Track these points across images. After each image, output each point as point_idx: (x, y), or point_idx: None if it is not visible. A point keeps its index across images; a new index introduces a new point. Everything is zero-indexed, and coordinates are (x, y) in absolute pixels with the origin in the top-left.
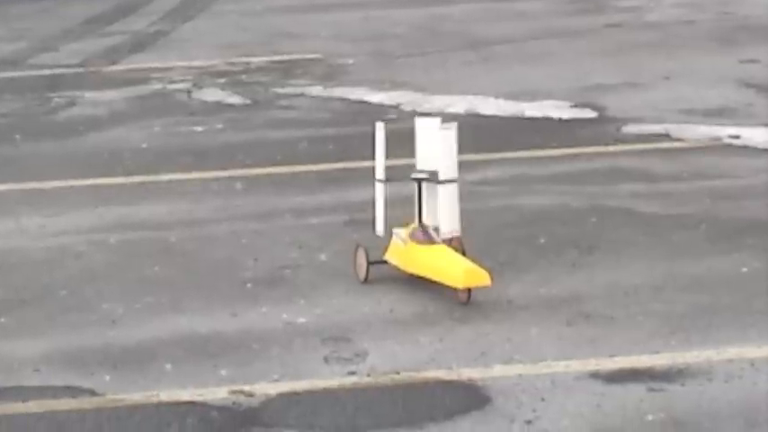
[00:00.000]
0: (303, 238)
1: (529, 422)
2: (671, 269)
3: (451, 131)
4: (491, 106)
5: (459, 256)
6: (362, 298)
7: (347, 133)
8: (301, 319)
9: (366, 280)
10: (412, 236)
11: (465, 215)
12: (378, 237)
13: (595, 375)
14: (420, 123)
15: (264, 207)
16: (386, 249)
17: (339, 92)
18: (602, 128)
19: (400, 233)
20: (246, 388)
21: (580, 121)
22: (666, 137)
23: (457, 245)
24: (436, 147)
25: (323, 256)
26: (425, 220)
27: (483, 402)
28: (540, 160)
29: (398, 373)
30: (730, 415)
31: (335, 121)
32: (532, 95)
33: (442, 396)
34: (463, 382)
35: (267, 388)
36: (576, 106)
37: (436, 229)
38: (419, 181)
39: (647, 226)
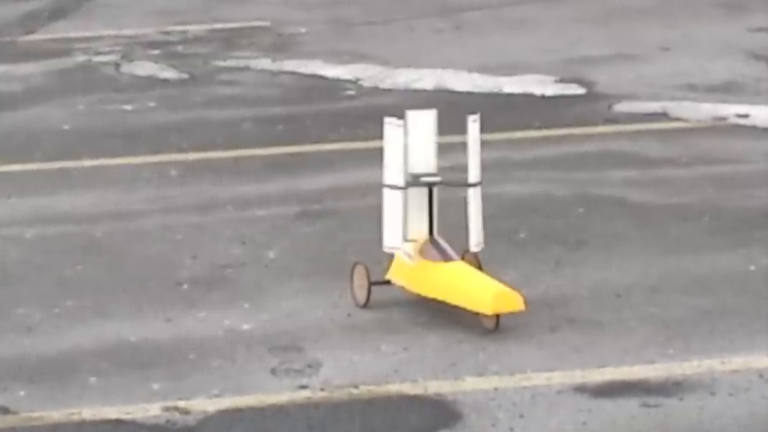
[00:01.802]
0: (248, 233)
1: None
2: (668, 267)
3: (478, 125)
4: (464, 81)
5: (483, 276)
6: (316, 301)
7: (299, 113)
8: (245, 326)
9: (366, 305)
10: (423, 252)
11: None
12: (383, 253)
13: (581, 389)
14: (412, 117)
15: (203, 197)
16: (388, 268)
17: (290, 65)
18: (590, 106)
19: (406, 248)
20: (182, 404)
21: (565, 98)
22: (664, 116)
23: (472, 260)
24: (468, 142)
25: (271, 254)
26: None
27: (453, 420)
28: (519, 143)
29: (357, 386)
30: None
31: (285, 99)
32: (511, 69)
33: (406, 413)
34: (431, 396)
35: (206, 404)
36: (560, 81)
37: (449, 243)
38: (430, 186)
39: (642, 218)
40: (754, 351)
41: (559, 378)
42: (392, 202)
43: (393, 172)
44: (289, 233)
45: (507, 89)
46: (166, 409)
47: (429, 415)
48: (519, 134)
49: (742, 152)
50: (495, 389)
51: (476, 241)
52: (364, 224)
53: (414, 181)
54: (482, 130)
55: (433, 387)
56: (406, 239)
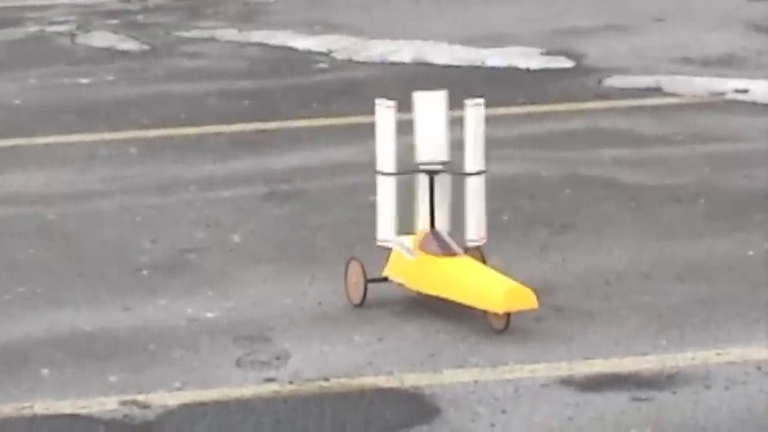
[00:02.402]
0: (212, 215)
1: None
2: (662, 252)
3: (481, 110)
4: (444, 54)
5: (491, 271)
6: (284, 288)
7: (267, 87)
8: (209, 314)
9: (362, 303)
10: (424, 246)
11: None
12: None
13: (568, 382)
14: (420, 99)
15: (165, 177)
16: (385, 263)
17: (257, 36)
18: (579, 80)
19: (404, 242)
20: (141, 398)
21: (552, 71)
22: (657, 91)
23: (476, 254)
24: (464, 129)
25: (236, 237)
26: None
27: (431, 415)
28: (503, 120)
29: (327, 379)
30: (732, 429)
31: (252, 72)
32: (495, 41)
33: (380, 407)
34: (407, 390)
35: (166, 398)
36: (547, 54)
37: (451, 236)
38: (431, 174)
39: (634, 200)
40: (752, 342)
41: (544, 371)
42: (383, 191)
43: (383, 157)
44: (256, 215)
45: (490, 62)
46: (124, 403)
47: (405, 410)
48: (502, 110)
49: (740, 129)
50: (476, 382)
51: (474, 235)
52: (336, 206)
53: (412, 169)
54: (461, 104)
55: (410, 380)
56: (399, 232)
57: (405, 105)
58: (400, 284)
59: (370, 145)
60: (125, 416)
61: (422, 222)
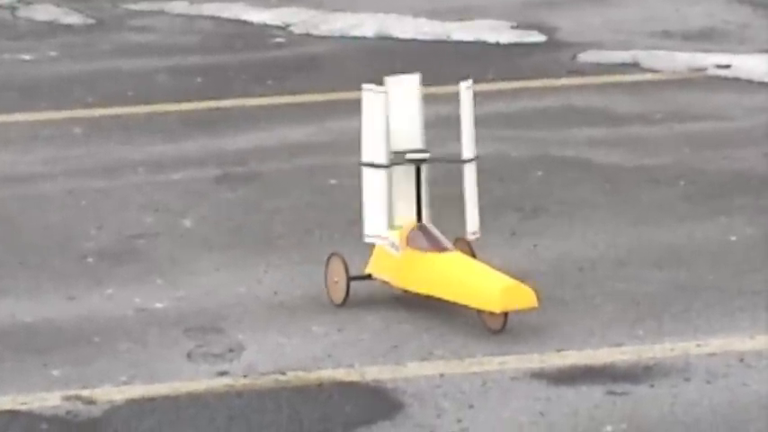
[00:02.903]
0: (161, 199)
1: None
2: (639, 238)
3: (471, 92)
4: (408, 27)
5: (486, 268)
6: (238, 276)
7: (220, 63)
8: (158, 304)
9: (344, 302)
10: (411, 241)
11: None
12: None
13: (539, 375)
14: (392, 84)
15: (111, 159)
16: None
17: (210, 8)
18: (551, 55)
19: (389, 237)
20: (85, 393)
21: (523, 46)
22: (635, 67)
23: (465, 248)
24: (461, 113)
25: (187, 223)
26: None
27: (393, 410)
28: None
29: (284, 373)
30: (713, 425)
31: (205, 47)
32: (461, 13)
33: (340, 402)
34: (368, 384)
35: (112, 393)
36: (518, 27)
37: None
38: (418, 163)
39: (609, 182)
40: (733, 332)
41: (514, 363)
42: (374, 184)
43: (374, 148)
44: (208, 199)
45: (457, 36)
46: (68, 398)
47: (366, 404)
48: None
49: (722, 107)
50: (441, 375)
51: (475, 227)
52: (293, 190)
53: (397, 159)
54: (428, 82)
55: (371, 373)
56: (392, 227)
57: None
58: (385, 282)
59: (329, 124)
60: (68, 412)
61: (405, 216)
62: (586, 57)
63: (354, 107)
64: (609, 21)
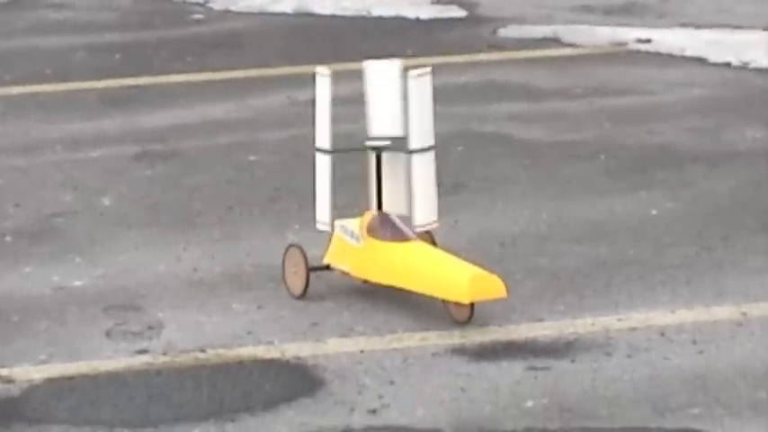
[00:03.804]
0: (80, 177)
1: (373, 411)
2: (559, 213)
3: (427, 80)
4: (328, 3)
5: (451, 257)
6: (158, 254)
7: (138, 40)
8: (77, 282)
9: (304, 294)
10: (371, 230)
11: (289, 144)
12: (319, 232)
13: (460, 351)
14: (372, 69)
15: (29, 137)
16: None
17: None
18: (471, 30)
19: (347, 226)
20: (4, 372)
21: (444, 21)
22: (555, 42)
23: (426, 237)
24: (408, 102)
25: (106, 201)
26: (386, 206)
27: (314, 387)
28: None
29: (204, 350)
30: (634, 399)
31: (123, 24)
32: None
33: (260, 379)
34: (288, 361)
35: (31, 372)
36: (438, 2)
37: (403, 220)
38: (378, 150)
39: (530, 157)
40: (655, 306)
41: (435, 339)
42: (320, 170)
43: (319, 132)
44: (126, 177)
45: (376, 11)
46: None
47: (287, 381)
48: None
49: (643, 82)
50: (362, 351)
51: (422, 219)
52: (212, 167)
53: (348, 146)
54: (347, 58)
55: (291, 350)
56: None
57: (288, 60)
58: (344, 273)
59: (249, 101)
60: None
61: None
62: (507, 32)
63: (274, 84)
64: None
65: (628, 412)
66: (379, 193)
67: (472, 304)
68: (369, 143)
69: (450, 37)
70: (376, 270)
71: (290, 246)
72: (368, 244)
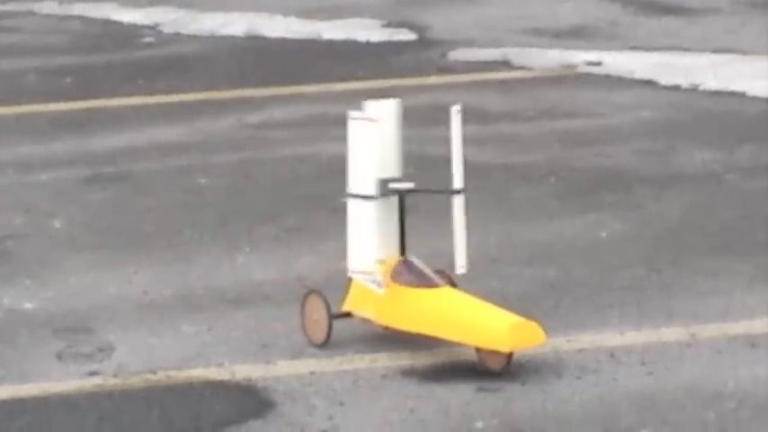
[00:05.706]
0: (30, 200)
1: None
2: (509, 235)
3: (460, 116)
4: (278, 26)
5: (486, 304)
6: (108, 277)
7: (90, 63)
8: (27, 305)
9: (326, 342)
10: (395, 276)
11: (239, 167)
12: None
13: (409, 372)
14: (373, 109)
15: None
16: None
17: (79, 8)
18: (422, 54)
19: (373, 273)
20: None
21: (394, 44)
22: (505, 65)
23: (446, 279)
24: (452, 140)
25: (56, 223)
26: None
27: (264, 408)
28: (340, 96)
29: (154, 372)
30: (583, 420)
31: (74, 48)
32: (332, 12)
33: (211, 401)
34: (239, 383)
35: None
36: (388, 26)
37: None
38: (401, 193)
39: (479, 179)
40: (604, 328)
41: (385, 360)
42: (361, 216)
43: (362, 178)
44: (77, 200)
45: (327, 35)
46: None
47: (237, 403)
48: (339, 86)
49: (593, 104)
50: (312, 373)
51: (462, 262)
52: (163, 190)
53: (381, 189)
54: (298, 81)
55: (242, 372)
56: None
57: (239, 83)
58: (366, 320)
59: (199, 124)
60: None
61: (384, 250)
62: (457, 55)
63: (224, 107)
64: (480, 18)
65: None
66: (402, 237)
67: (510, 353)
68: (393, 185)
69: (400, 60)
70: (402, 317)
71: (311, 292)
72: (392, 290)
